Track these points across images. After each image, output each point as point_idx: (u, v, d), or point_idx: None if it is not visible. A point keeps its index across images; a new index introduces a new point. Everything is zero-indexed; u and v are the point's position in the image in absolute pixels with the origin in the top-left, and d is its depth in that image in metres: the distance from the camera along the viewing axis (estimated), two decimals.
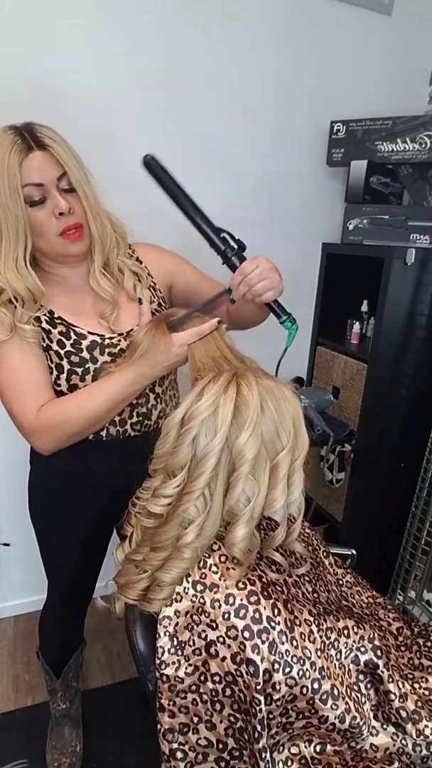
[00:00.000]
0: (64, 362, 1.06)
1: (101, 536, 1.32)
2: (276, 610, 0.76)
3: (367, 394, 1.79)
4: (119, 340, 1.10)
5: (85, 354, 1.07)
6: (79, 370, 1.07)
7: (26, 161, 0.92)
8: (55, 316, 1.07)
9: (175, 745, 0.80)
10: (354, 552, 1.38)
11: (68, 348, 1.06)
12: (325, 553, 1.10)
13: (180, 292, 1.25)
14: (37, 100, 1.41)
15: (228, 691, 0.76)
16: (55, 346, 1.06)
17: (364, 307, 1.97)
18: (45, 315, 1.06)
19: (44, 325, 1.05)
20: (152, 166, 1.07)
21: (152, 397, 1.17)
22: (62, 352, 1.06)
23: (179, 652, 0.79)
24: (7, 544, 1.80)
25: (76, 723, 1.53)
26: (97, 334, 1.09)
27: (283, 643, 0.75)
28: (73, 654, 1.49)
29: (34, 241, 1.00)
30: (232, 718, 0.78)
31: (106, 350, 1.09)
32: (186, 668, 0.78)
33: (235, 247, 1.07)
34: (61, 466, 1.17)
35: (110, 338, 1.10)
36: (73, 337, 1.07)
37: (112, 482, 1.16)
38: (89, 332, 1.08)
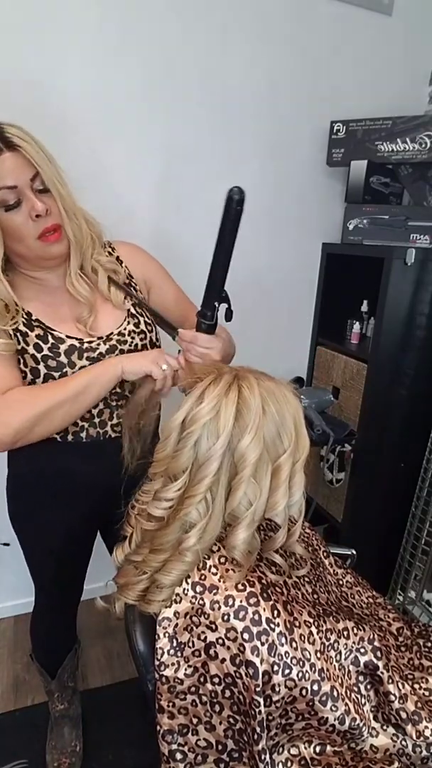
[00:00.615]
0: (41, 366, 1.03)
1: (84, 539, 1.31)
2: (275, 612, 0.76)
3: (367, 394, 1.79)
4: (98, 344, 1.08)
5: (63, 358, 1.04)
6: (56, 375, 1.04)
7: None
8: (33, 318, 1.04)
9: (174, 747, 0.80)
10: (354, 552, 1.38)
11: (45, 352, 1.03)
12: (325, 554, 1.10)
13: (153, 304, 1.22)
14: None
15: (227, 693, 0.76)
16: (31, 350, 1.02)
17: (364, 307, 1.97)
18: (22, 317, 1.03)
19: (21, 327, 1.03)
20: (237, 203, 0.98)
21: None
22: (39, 356, 1.03)
23: (179, 654, 0.79)
24: (7, 544, 1.80)
25: (76, 723, 1.53)
26: (76, 338, 1.06)
27: (282, 645, 0.74)
28: (66, 655, 1.49)
29: (12, 246, 0.98)
30: (231, 720, 0.77)
31: (85, 354, 1.06)
32: (185, 669, 0.78)
33: (211, 322, 1.04)
34: (41, 469, 1.15)
35: (89, 342, 1.07)
36: (51, 341, 1.04)
37: (94, 485, 1.16)
38: (67, 336, 1.05)
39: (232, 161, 1.77)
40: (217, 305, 1.02)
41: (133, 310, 1.14)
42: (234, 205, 0.95)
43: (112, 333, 1.10)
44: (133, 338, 1.12)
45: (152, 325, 1.18)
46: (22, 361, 1.03)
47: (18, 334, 1.02)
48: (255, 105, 1.74)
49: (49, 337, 1.04)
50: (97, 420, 1.12)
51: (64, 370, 1.04)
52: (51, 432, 1.03)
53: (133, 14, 1.51)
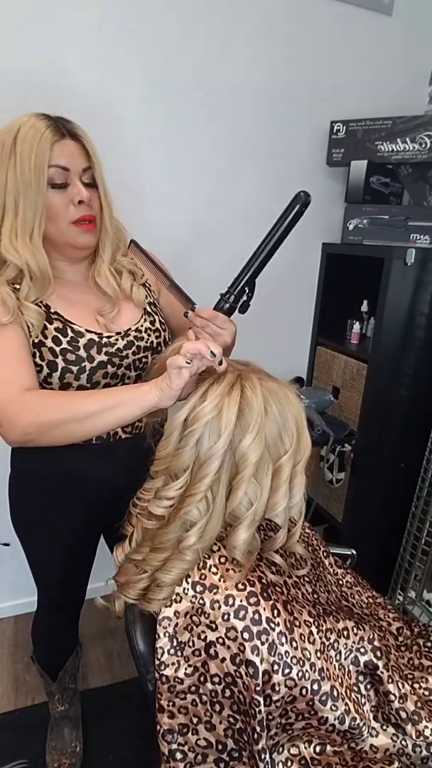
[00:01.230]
0: (59, 360, 1.02)
1: (89, 541, 1.30)
2: (275, 612, 0.76)
3: (367, 394, 1.79)
4: (116, 339, 1.08)
5: (82, 352, 1.03)
6: (75, 369, 1.03)
7: (58, 145, 0.94)
8: (51, 311, 1.04)
9: (174, 746, 0.80)
10: (354, 552, 1.38)
11: (64, 345, 1.02)
12: (325, 553, 1.10)
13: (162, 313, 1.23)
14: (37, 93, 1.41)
15: (227, 692, 0.76)
16: (49, 343, 1.01)
17: (364, 307, 1.97)
18: (42, 309, 1.02)
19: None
20: (303, 205, 1.07)
21: None
22: (57, 349, 1.02)
23: (179, 653, 0.79)
24: (7, 544, 1.80)
25: (76, 724, 1.53)
26: (95, 333, 1.06)
27: (282, 645, 0.74)
28: (68, 658, 1.48)
29: (46, 226, 0.98)
30: (231, 719, 0.78)
31: (104, 349, 1.06)
32: (185, 669, 0.78)
33: (234, 305, 1.05)
34: (47, 469, 1.13)
35: (108, 337, 1.07)
36: (70, 334, 1.03)
37: (102, 486, 1.15)
38: (87, 330, 1.05)
39: (232, 161, 1.77)
40: (247, 291, 1.04)
41: (149, 309, 1.16)
42: (300, 206, 1.03)
43: (129, 329, 1.11)
44: (149, 335, 1.13)
45: (166, 324, 1.19)
46: (38, 354, 1.01)
47: (35, 326, 1.00)
48: (255, 105, 1.74)
49: (69, 331, 1.03)
50: None
51: (83, 364, 1.03)
52: (57, 443, 0.97)
53: (133, 14, 1.51)
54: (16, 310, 0.97)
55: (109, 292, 1.09)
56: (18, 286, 1.00)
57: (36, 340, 1.01)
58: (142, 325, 1.13)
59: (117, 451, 1.13)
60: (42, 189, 0.94)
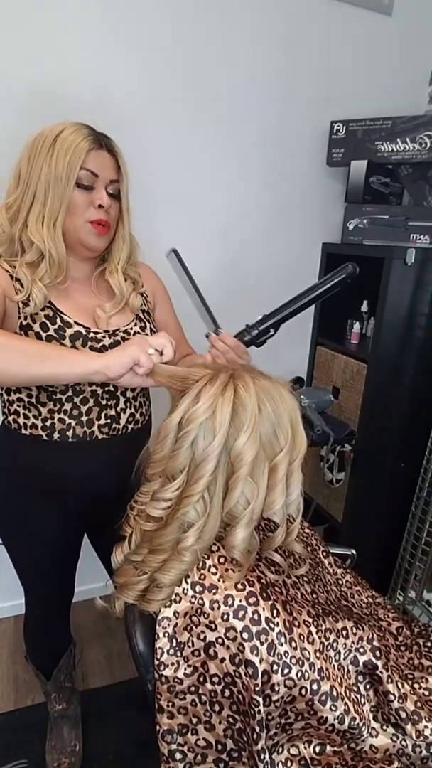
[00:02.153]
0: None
1: (70, 540, 1.30)
2: (275, 612, 0.76)
3: (367, 394, 1.79)
4: (103, 336, 1.10)
5: (67, 342, 1.05)
6: None
7: (93, 152, 1.02)
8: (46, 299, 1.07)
9: (174, 746, 0.80)
10: (354, 552, 1.38)
11: (51, 332, 1.04)
12: (324, 553, 1.10)
13: (154, 323, 1.27)
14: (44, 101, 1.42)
15: (227, 692, 0.76)
16: (36, 328, 1.04)
17: (364, 307, 1.97)
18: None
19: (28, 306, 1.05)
20: (349, 277, 1.14)
21: (122, 401, 1.15)
22: (44, 335, 1.04)
23: (178, 653, 0.79)
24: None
25: (75, 723, 1.53)
26: (83, 326, 1.08)
27: (281, 645, 0.74)
28: (61, 656, 1.48)
29: (65, 219, 1.04)
30: (231, 719, 0.77)
31: (89, 343, 1.07)
32: (185, 669, 0.78)
33: (255, 340, 1.13)
34: (25, 465, 1.15)
35: (95, 332, 1.09)
36: (59, 323, 1.06)
37: (79, 486, 1.15)
38: (75, 322, 1.07)
39: (232, 161, 1.77)
40: (272, 332, 1.12)
41: (141, 315, 1.20)
42: (346, 278, 1.13)
43: (118, 329, 1.13)
44: None
45: (156, 332, 1.22)
46: (23, 336, 1.04)
47: (26, 309, 1.04)
48: (255, 105, 1.74)
49: (58, 320, 1.06)
50: (84, 418, 1.11)
51: None
52: None
53: (133, 14, 1.51)
54: (30, 287, 1.03)
55: (116, 292, 1.15)
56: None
57: (24, 323, 1.04)
58: (131, 328, 1.16)
59: (93, 451, 1.13)
60: (70, 185, 1.01)
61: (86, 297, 1.14)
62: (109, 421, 1.13)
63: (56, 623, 1.46)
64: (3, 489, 1.21)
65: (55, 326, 1.05)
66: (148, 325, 1.20)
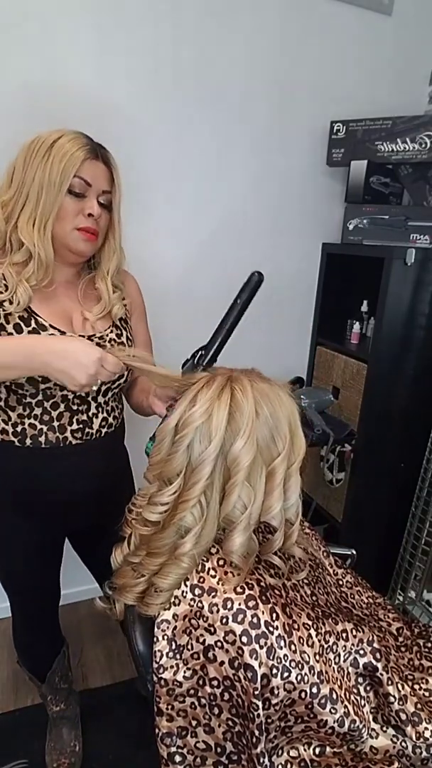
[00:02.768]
0: None
1: (49, 546, 1.28)
2: (274, 615, 0.76)
3: (367, 394, 1.79)
4: None
5: None
6: None
7: (89, 162, 1.03)
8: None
9: (173, 749, 0.80)
10: (354, 552, 1.38)
11: (24, 334, 1.03)
12: (325, 554, 1.10)
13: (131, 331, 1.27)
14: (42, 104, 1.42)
15: (226, 696, 0.76)
16: (10, 328, 1.02)
17: (364, 307, 1.97)
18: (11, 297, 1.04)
19: (6, 305, 1.03)
20: (257, 284, 1.14)
21: (93, 406, 1.14)
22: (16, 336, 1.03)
23: (177, 656, 0.79)
24: None
25: (75, 723, 1.53)
26: (58, 330, 1.07)
27: (281, 648, 0.74)
28: (54, 659, 1.46)
29: (54, 224, 1.05)
30: (230, 722, 0.77)
31: None
32: (184, 672, 0.78)
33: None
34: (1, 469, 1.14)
35: (70, 336, 1.08)
36: (33, 325, 1.04)
37: (56, 491, 1.14)
38: (51, 325, 1.06)
39: (232, 161, 1.77)
40: (202, 364, 1.09)
41: (119, 323, 1.20)
42: (255, 287, 1.12)
43: (93, 335, 1.13)
44: (112, 345, 1.15)
45: (132, 342, 1.22)
46: None
47: (1, 309, 1.03)
48: (255, 105, 1.74)
49: (32, 322, 1.05)
50: (56, 424, 1.10)
51: None
52: None
53: (133, 15, 1.50)
54: (14, 287, 1.03)
55: (104, 297, 1.16)
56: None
57: None
58: (107, 335, 1.15)
59: (67, 456, 1.13)
60: (62, 191, 1.02)
61: (68, 301, 1.13)
62: (81, 426, 1.13)
63: (44, 627, 1.43)
64: None
65: (29, 328, 1.04)
66: (124, 333, 1.19)
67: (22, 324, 1.03)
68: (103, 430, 1.17)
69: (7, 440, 1.09)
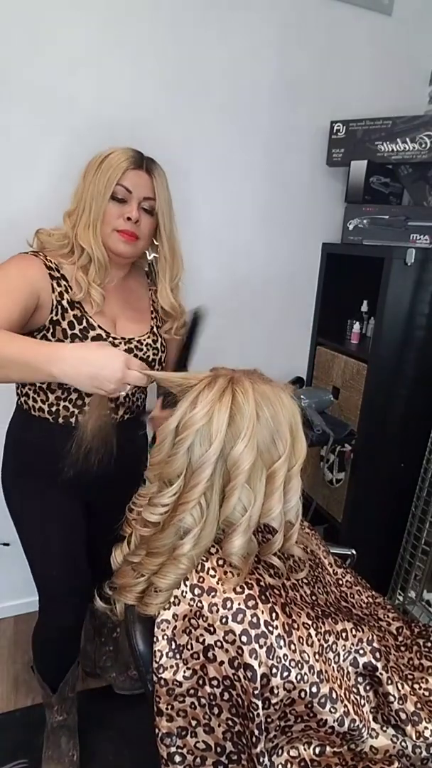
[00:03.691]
0: (67, 342, 1.15)
1: (75, 521, 1.32)
2: (274, 614, 0.76)
3: (367, 394, 1.79)
4: (119, 343, 1.22)
5: (89, 342, 1.16)
6: None
7: (131, 171, 1.16)
8: (75, 301, 1.17)
9: (173, 749, 0.80)
10: (354, 552, 1.38)
11: (75, 331, 1.16)
12: (324, 553, 1.10)
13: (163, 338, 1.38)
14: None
15: (226, 695, 0.76)
16: (64, 324, 1.15)
17: (364, 307, 1.97)
18: (67, 297, 1.16)
19: (64, 303, 1.15)
20: (201, 320, 1.28)
21: (122, 396, 1.24)
22: (70, 332, 1.15)
23: (177, 656, 0.79)
24: (7, 544, 1.80)
25: (73, 732, 1.48)
26: (104, 330, 1.19)
27: (281, 647, 0.74)
28: (69, 668, 1.41)
29: (101, 227, 1.18)
30: (230, 722, 0.77)
31: None
32: (184, 672, 0.78)
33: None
34: (36, 441, 1.25)
35: (113, 338, 1.21)
36: (84, 324, 1.17)
37: (80, 469, 1.15)
38: (99, 326, 1.19)
39: (232, 161, 1.77)
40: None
41: (155, 330, 1.32)
42: (200, 323, 1.28)
43: (133, 338, 1.25)
44: (148, 349, 1.27)
45: (165, 349, 1.34)
46: (52, 330, 1.15)
47: (59, 307, 1.15)
48: (255, 105, 1.74)
49: (84, 321, 1.17)
50: (87, 409, 1.17)
51: None
52: None
53: (133, 15, 1.51)
54: (86, 290, 1.17)
55: (167, 308, 1.31)
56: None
57: (55, 318, 1.15)
58: (144, 340, 1.27)
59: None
60: (106, 198, 1.16)
61: (112, 304, 1.25)
62: (108, 412, 1.20)
63: (71, 626, 1.36)
64: (11, 458, 1.31)
65: (81, 326, 1.17)
66: (160, 339, 1.32)
67: (75, 322, 1.16)
68: (126, 416, 1.30)
69: (42, 417, 1.22)
